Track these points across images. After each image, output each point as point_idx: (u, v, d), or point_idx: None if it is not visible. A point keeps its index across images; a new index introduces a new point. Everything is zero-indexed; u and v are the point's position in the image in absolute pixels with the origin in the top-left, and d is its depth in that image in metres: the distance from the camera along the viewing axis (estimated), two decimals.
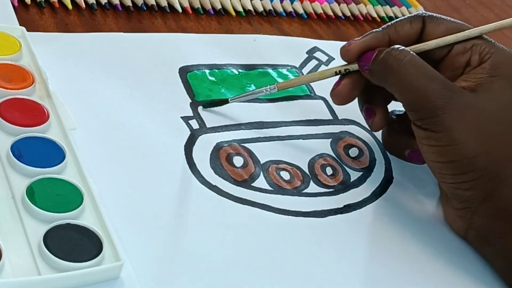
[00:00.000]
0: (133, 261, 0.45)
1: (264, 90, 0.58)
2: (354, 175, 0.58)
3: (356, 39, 0.56)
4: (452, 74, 0.54)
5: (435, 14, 0.56)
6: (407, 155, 0.57)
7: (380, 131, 0.60)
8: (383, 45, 0.54)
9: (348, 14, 0.76)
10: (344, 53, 0.56)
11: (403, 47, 0.53)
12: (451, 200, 0.54)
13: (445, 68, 0.55)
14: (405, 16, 0.56)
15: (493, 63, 0.53)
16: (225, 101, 0.58)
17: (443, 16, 0.56)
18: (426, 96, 0.51)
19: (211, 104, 0.58)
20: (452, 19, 0.56)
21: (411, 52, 0.53)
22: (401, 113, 0.58)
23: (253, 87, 0.62)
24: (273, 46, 0.68)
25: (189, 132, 0.56)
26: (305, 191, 0.55)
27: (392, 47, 0.53)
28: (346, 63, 0.56)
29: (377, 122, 0.57)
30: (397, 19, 0.56)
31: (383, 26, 0.56)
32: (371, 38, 0.55)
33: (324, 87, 0.65)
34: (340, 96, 0.56)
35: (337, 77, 0.57)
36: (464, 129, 0.50)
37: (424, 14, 0.56)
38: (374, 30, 0.55)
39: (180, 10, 0.67)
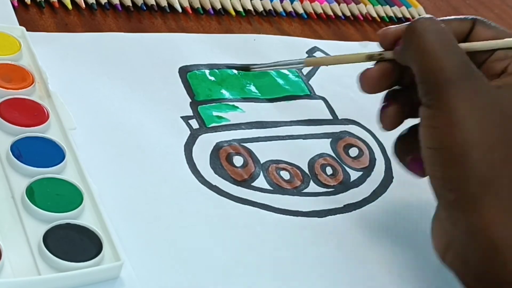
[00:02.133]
0: (133, 261, 0.45)
1: (291, 63, 0.54)
2: (354, 175, 0.58)
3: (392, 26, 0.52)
4: (489, 80, 0.50)
5: (486, 20, 0.52)
6: (408, 162, 0.52)
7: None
8: None
9: (348, 14, 0.76)
10: (381, 36, 0.52)
11: (433, 17, 0.49)
12: (437, 209, 0.49)
13: (484, 72, 0.50)
14: (457, 16, 0.52)
15: None
16: (246, 68, 0.55)
17: (493, 23, 0.52)
18: (443, 65, 0.47)
19: (236, 68, 0.57)
20: (501, 28, 0.52)
21: (443, 24, 0.49)
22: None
23: (253, 87, 0.62)
24: (273, 46, 0.68)
25: (189, 132, 0.56)
26: (305, 190, 0.55)
27: (422, 16, 0.50)
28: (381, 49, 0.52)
29: (387, 117, 0.52)
30: (448, 17, 0.52)
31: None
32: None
33: (324, 87, 0.65)
34: (368, 81, 0.52)
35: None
36: (468, 114, 0.45)
37: (476, 17, 0.52)
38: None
39: (180, 10, 0.67)
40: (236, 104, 0.60)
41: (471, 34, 0.51)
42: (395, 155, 0.54)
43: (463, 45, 0.51)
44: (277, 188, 0.54)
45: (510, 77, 0.49)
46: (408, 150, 0.52)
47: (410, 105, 0.51)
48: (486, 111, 0.46)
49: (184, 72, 0.61)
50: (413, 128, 0.52)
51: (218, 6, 0.69)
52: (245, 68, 0.55)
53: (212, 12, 0.69)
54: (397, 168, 0.59)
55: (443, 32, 0.48)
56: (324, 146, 0.59)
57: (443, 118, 0.46)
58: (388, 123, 0.52)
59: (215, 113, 0.58)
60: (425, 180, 0.58)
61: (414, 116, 0.51)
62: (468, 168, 0.45)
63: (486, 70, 0.51)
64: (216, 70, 0.62)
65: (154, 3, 0.66)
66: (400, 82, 0.52)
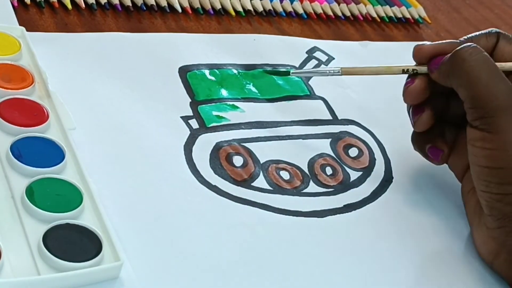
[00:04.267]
0: (133, 261, 0.45)
1: (328, 71, 0.57)
2: (354, 175, 0.58)
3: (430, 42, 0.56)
4: None
5: (505, 33, 0.56)
6: (427, 150, 0.56)
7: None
8: None
9: (348, 14, 0.76)
10: (416, 51, 0.56)
11: (476, 45, 0.53)
12: (485, 218, 0.52)
13: None
14: (481, 32, 0.56)
15: None
16: (286, 73, 0.58)
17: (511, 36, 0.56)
18: (493, 93, 0.51)
19: (273, 72, 0.59)
20: None
21: (483, 51, 0.52)
22: None
23: (252, 87, 0.62)
24: (273, 46, 0.68)
25: (189, 132, 0.56)
26: (305, 191, 0.55)
27: (467, 43, 0.53)
28: (414, 64, 0.56)
29: (421, 121, 0.56)
30: (473, 34, 0.56)
31: (460, 39, 0.55)
32: (447, 43, 0.55)
33: (324, 87, 0.65)
34: (413, 94, 0.56)
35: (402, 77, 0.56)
36: None
37: (499, 31, 0.56)
38: (450, 40, 0.55)
39: (179, 10, 0.67)
40: (236, 104, 0.60)
41: (496, 49, 0.55)
42: (413, 144, 0.58)
43: (498, 64, 0.53)
44: (277, 188, 0.54)
45: None
46: (426, 140, 0.56)
47: (442, 110, 0.56)
48: None
49: (184, 72, 0.61)
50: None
51: (218, 6, 0.69)
52: (285, 72, 0.59)
53: (212, 12, 0.69)
54: (397, 168, 0.59)
55: (488, 60, 0.52)
56: (324, 146, 0.59)
57: (497, 141, 0.50)
58: (422, 127, 0.56)
59: (215, 113, 0.58)
60: (425, 180, 0.58)
61: (444, 119, 0.56)
62: None
63: None
64: (216, 70, 0.62)
65: (154, 3, 0.66)
66: (434, 90, 0.55)
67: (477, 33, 0.56)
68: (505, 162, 0.50)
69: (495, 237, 0.52)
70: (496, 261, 0.52)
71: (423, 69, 0.55)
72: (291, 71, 0.59)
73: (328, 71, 0.57)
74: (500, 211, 0.51)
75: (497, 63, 0.53)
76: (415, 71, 0.55)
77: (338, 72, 0.57)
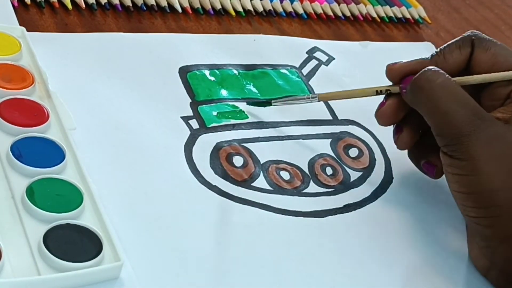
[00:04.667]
0: (133, 261, 0.45)
1: (306, 98, 0.58)
2: (354, 175, 0.58)
3: (401, 61, 0.55)
4: (492, 104, 0.53)
5: (483, 36, 0.55)
6: (422, 165, 0.56)
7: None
8: None
9: (348, 14, 0.76)
10: (387, 71, 0.55)
11: (437, 69, 0.52)
12: (474, 237, 0.52)
13: (486, 96, 0.54)
14: (455, 40, 0.55)
15: None
16: (268, 103, 0.59)
17: (491, 39, 0.55)
18: (453, 121, 0.50)
19: (254, 103, 0.59)
20: (499, 43, 0.55)
21: (444, 74, 0.52)
22: None
23: (252, 87, 0.62)
24: (273, 46, 0.68)
25: (189, 132, 0.56)
26: (305, 191, 0.55)
27: (427, 68, 0.52)
28: (390, 83, 0.56)
29: (402, 141, 0.56)
30: (446, 44, 0.55)
31: (432, 53, 0.55)
32: (417, 63, 0.54)
33: (324, 87, 0.65)
34: (384, 117, 0.56)
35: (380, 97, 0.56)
36: (489, 160, 0.49)
37: (473, 36, 0.54)
38: (423, 57, 0.55)
39: (180, 10, 0.67)
40: (236, 104, 0.60)
41: (472, 57, 0.54)
42: (409, 158, 0.57)
43: (463, 79, 0.53)
44: (277, 188, 0.54)
45: None
46: (421, 155, 0.56)
47: (422, 127, 0.55)
48: (504, 153, 0.49)
49: (184, 72, 0.61)
50: (425, 136, 0.54)
51: (218, 6, 0.69)
52: (266, 103, 0.59)
53: (212, 12, 0.69)
54: (397, 168, 0.59)
55: (446, 85, 0.51)
56: (324, 146, 0.59)
57: (466, 168, 0.50)
58: (403, 145, 0.56)
59: (215, 113, 0.58)
60: (425, 180, 0.58)
61: (427, 135, 0.54)
62: (500, 208, 0.49)
63: (491, 94, 0.54)
64: (216, 70, 0.62)
65: (154, 3, 0.66)
66: (411, 108, 0.55)
67: (452, 42, 0.55)
68: (476, 187, 0.50)
69: (485, 254, 0.52)
70: (488, 275, 0.52)
71: (396, 89, 0.55)
72: (272, 101, 0.59)
73: (306, 98, 0.58)
74: (482, 233, 0.51)
75: (467, 77, 0.53)
76: (388, 91, 0.55)
77: (316, 99, 0.58)
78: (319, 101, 0.58)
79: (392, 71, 0.55)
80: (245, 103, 0.59)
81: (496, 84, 0.53)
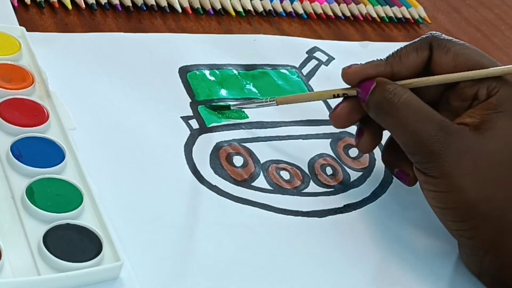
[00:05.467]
0: (133, 261, 0.45)
1: (264, 102, 0.57)
2: (354, 175, 0.58)
3: (357, 63, 0.54)
4: (460, 105, 0.52)
5: (442, 36, 0.53)
6: (396, 173, 0.54)
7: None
8: (385, 75, 0.52)
9: (348, 14, 0.76)
10: (343, 74, 0.54)
11: (396, 86, 0.51)
12: (462, 246, 0.52)
13: (454, 97, 0.52)
14: (412, 42, 0.53)
15: (500, 98, 0.50)
16: (227, 107, 0.58)
17: (451, 39, 0.53)
18: (421, 140, 0.49)
19: (212, 107, 0.58)
20: (460, 42, 0.53)
21: (407, 91, 0.50)
22: None
23: (252, 87, 0.62)
24: (273, 46, 0.68)
25: (189, 132, 0.56)
26: (305, 190, 0.55)
27: (386, 86, 0.51)
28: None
29: (363, 144, 0.55)
30: (403, 46, 0.53)
31: (388, 55, 0.53)
32: (372, 66, 0.53)
33: (323, 87, 0.65)
34: (338, 119, 0.54)
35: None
36: (463, 175, 0.48)
37: (431, 38, 0.53)
38: (377, 59, 0.53)
39: (180, 10, 0.67)
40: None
41: (431, 60, 0.53)
42: (384, 164, 0.56)
43: (419, 80, 0.52)
44: (277, 188, 0.54)
45: (483, 109, 0.50)
46: (394, 163, 0.54)
47: (383, 129, 0.54)
48: (476, 165, 0.48)
49: (184, 72, 0.61)
50: (394, 140, 0.52)
51: (218, 6, 0.69)
52: (225, 106, 0.58)
53: (212, 12, 0.69)
54: None
55: (412, 102, 0.50)
56: (324, 146, 0.59)
57: (442, 184, 0.49)
58: (365, 149, 0.55)
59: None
60: None
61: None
62: (481, 219, 0.48)
63: (458, 95, 0.52)
64: (216, 70, 0.62)
65: (154, 3, 0.66)
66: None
67: (409, 44, 0.53)
68: (454, 203, 0.49)
69: (473, 262, 0.52)
70: (481, 280, 0.52)
71: (353, 92, 0.53)
72: (231, 105, 0.58)
73: (264, 102, 0.57)
74: (467, 244, 0.51)
75: (424, 78, 0.52)
76: (345, 95, 0.54)
77: (274, 102, 0.56)
78: (277, 104, 0.56)
79: (348, 74, 0.54)
80: (205, 106, 0.58)
81: (462, 84, 0.52)
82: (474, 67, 0.52)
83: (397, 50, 0.53)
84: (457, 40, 0.53)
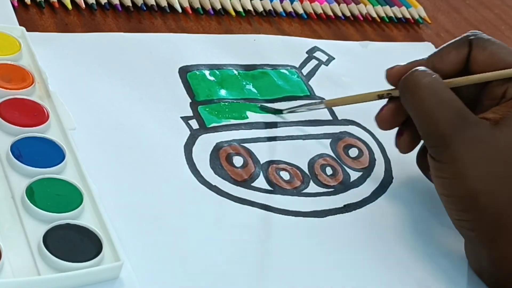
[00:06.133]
0: (133, 261, 0.45)
1: (314, 105, 0.59)
2: (354, 175, 0.58)
3: (401, 64, 0.55)
4: (490, 104, 0.53)
5: (482, 35, 0.54)
6: (428, 175, 0.55)
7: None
8: None
9: (348, 14, 0.76)
10: (387, 75, 0.55)
11: (424, 69, 0.52)
12: (464, 239, 0.52)
13: (486, 96, 0.53)
14: (453, 40, 0.54)
15: None
16: (279, 112, 0.60)
17: (490, 38, 0.54)
18: (436, 122, 0.50)
19: (266, 111, 0.59)
20: (497, 42, 0.54)
21: (434, 75, 0.51)
22: None
23: (252, 87, 0.62)
24: (273, 46, 0.68)
25: (189, 132, 0.56)
26: (305, 191, 0.55)
27: (415, 68, 0.52)
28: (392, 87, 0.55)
29: (402, 143, 0.56)
30: (445, 45, 0.54)
31: (430, 54, 0.54)
32: (414, 64, 0.54)
33: (324, 87, 0.65)
34: (383, 121, 0.56)
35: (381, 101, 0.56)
36: (470, 164, 0.48)
37: (472, 36, 0.54)
38: (420, 58, 0.54)
39: (180, 10, 0.67)
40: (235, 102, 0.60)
41: (470, 58, 0.54)
42: (418, 167, 0.57)
43: (456, 80, 0.53)
44: (277, 188, 0.54)
45: (507, 107, 0.51)
46: (427, 165, 0.54)
47: None
48: (487, 157, 0.49)
49: (184, 72, 0.61)
50: None
51: (218, 6, 0.69)
52: (278, 111, 0.60)
53: (212, 12, 0.69)
54: (397, 168, 0.59)
55: (435, 85, 0.51)
56: (324, 146, 0.59)
57: (449, 170, 0.49)
58: (404, 149, 0.56)
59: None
60: (425, 180, 0.58)
61: None
62: (481, 212, 0.49)
63: (489, 93, 0.53)
64: (216, 70, 0.62)
65: (154, 3, 0.66)
66: None
67: (450, 42, 0.54)
68: (458, 191, 0.49)
69: (474, 255, 0.52)
70: (481, 277, 0.52)
71: (397, 92, 0.54)
72: (284, 111, 0.60)
73: (314, 106, 0.59)
74: (467, 236, 0.51)
75: (461, 78, 0.53)
76: (389, 95, 0.55)
77: (322, 105, 0.59)
78: (325, 107, 0.59)
79: (391, 75, 0.55)
80: (259, 106, 0.60)
81: (494, 83, 0.53)
82: (507, 66, 0.53)
83: (439, 49, 0.55)
84: (495, 40, 0.54)
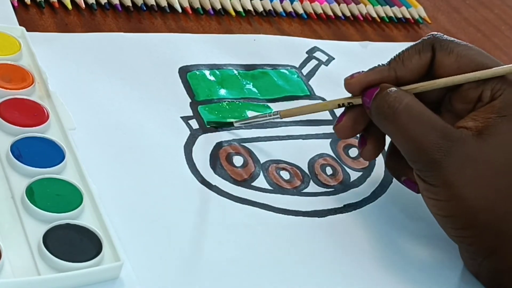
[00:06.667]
0: (133, 261, 0.45)
1: (268, 116, 0.56)
2: (354, 175, 0.58)
3: (359, 72, 0.52)
4: (464, 108, 0.51)
5: (444, 37, 0.52)
6: (403, 181, 0.54)
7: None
8: (389, 80, 0.51)
9: (348, 14, 0.76)
10: (346, 85, 0.53)
11: (398, 90, 0.50)
12: (461, 249, 0.52)
13: (457, 99, 0.51)
14: (414, 44, 0.52)
15: (504, 101, 0.49)
16: (230, 124, 0.57)
17: (453, 40, 0.52)
18: (423, 148, 0.48)
19: (215, 124, 0.57)
20: (463, 43, 0.52)
21: (408, 95, 0.49)
22: None
23: (252, 87, 0.62)
24: (273, 46, 0.68)
25: (189, 132, 0.56)
26: (305, 190, 0.55)
27: (387, 91, 0.50)
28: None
29: (366, 153, 0.54)
30: (405, 49, 0.52)
31: (390, 59, 0.52)
32: (375, 73, 0.52)
33: (324, 87, 0.65)
34: (342, 131, 0.53)
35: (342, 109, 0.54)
36: (464, 184, 0.47)
37: (433, 39, 0.52)
38: (380, 64, 0.52)
39: (180, 10, 0.67)
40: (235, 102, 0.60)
41: (434, 62, 0.52)
42: (391, 174, 0.56)
43: (425, 84, 0.51)
44: (277, 188, 0.54)
45: (486, 112, 0.49)
46: (399, 170, 0.54)
47: (385, 136, 0.53)
48: (479, 174, 0.48)
49: (184, 72, 0.61)
50: (396, 147, 0.52)
51: (218, 6, 0.69)
52: (228, 123, 0.57)
53: (212, 12, 0.69)
54: None
55: (413, 108, 0.49)
56: (324, 146, 0.59)
57: (443, 193, 0.48)
58: (369, 157, 0.54)
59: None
60: None
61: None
62: (481, 228, 0.48)
63: (462, 97, 0.51)
64: (216, 70, 0.62)
65: (154, 3, 0.66)
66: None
67: (411, 46, 0.52)
68: (455, 212, 0.48)
69: (472, 264, 0.51)
70: (480, 279, 0.52)
71: (358, 100, 0.52)
72: (234, 122, 0.56)
73: (268, 116, 0.55)
74: (466, 249, 0.51)
75: (429, 82, 0.51)
76: (350, 104, 0.53)
77: (278, 116, 0.55)
78: (281, 118, 0.55)
79: (351, 84, 0.52)
80: (207, 122, 0.57)
81: (466, 86, 0.51)
82: (477, 68, 0.51)
83: (399, 53, 0.52)
84: (460, 41, 0.52)
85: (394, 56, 0.52)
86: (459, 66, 0.51)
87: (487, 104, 0.50)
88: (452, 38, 0.52)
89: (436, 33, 0.53)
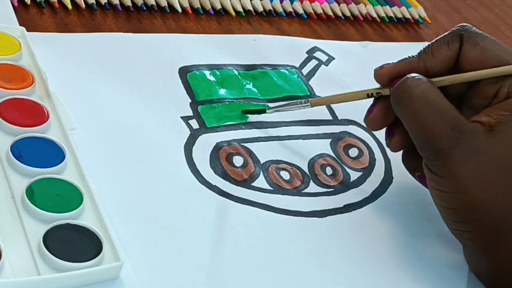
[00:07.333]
0: (133, 261, 0.45)
1: (299, 104, 0.57)
2: (354, 175, 0.58)
3: (390, 62, 0.53)
4: (481, 103, 0.51)
5: (473, 29, 0.52)
6: (417, 177, 0.54)
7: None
8: (418, 72, 0.51)
9: (348, 14, 0.76)
10: (375, 76, 0.53)
11: (418, 76, 0.50)
12: (462, 246, 0.52)
13: (475, 94, 0.52)
14: (443, 35, 0.52)
15: None
16: (262, 111, 0.58)
17: (481, 33, 0.52)
18: (431, 136, 0.48)
19: (249, 112, 0.58)
20: (489, 37, 0.52)
21: (426, 82, 0.50)
22: None
23: (252, 87, 0.62)
24: (273, 46, 0.68)
25: (189, 132, 0.56)
26: (305, 191, 0.55)
27: (408, 75, 0.50)
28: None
29: (394, 144, 0.54)
30: (434, 40, 0.52)
31: (420, 51, 0.52)
32: (404, 63, 0.52)
33: (323, 87, 0.65)
34: (373, 122, 0.54)
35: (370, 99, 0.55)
36: (467, 177, 0.48)
37: (462, 31, 0.52)
38: (410, 56, 0.53)
39: (180, 10, 0.67)
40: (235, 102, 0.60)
41: (460, 54, 0.52)
42: (405, 167, 0.56)
43: (452, 77, 0.51)
44: (277, 188, 0.54)
45: (500, 109, 0.49)
46: (415, 167, 0.54)
47: None
48: (484, 169, 0.48)
49: (184, 72, 0.61)
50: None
51: (218, 6, 0.69)
52: (261, 110, 0.59)
53: (212, 12, 0.69)
54: (397, 168, 0.59)
55: (429, 95, 0.49)
56: (324, 146, 0.59)
57: (447, 184, 0.48)
58: (395, 148, 0.54)
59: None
60: None
61: None
62: (480, 223, 0.48)
63: (480, 92, 0.51)
64: (216, 71, 0.62)
65: (154, 3, 0.66)
66: None
67: (440, 37, 0.52)
68: (456, 203, 0.49)
69: (472, 260, 0.52)
70: (481, 278, 0.52)
71: (387, 91, 0.53)
72: (267, 110, 0.58)
73: (299, 105, 0.57)
74: (465, 245, 0.51)
75: (455, 76, 0.51)
76: (379, 94, 0.53)
77: (308, 104, 0.56)
78: (312, 106, 0.56)
79: (380, 75, 0.53)
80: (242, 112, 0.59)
81: (485, 81, 0.51)
82: (500, 64, 0.51)
83: (429, 45, 0.52)
84: (487, 34, 0.52)
85: (423, 48, 0.52)
86: (483, 60, 0.51)
87: (503, 101, 0.50)
88: (480, 31, 0.52)
89: (465, 24, 0.53)
